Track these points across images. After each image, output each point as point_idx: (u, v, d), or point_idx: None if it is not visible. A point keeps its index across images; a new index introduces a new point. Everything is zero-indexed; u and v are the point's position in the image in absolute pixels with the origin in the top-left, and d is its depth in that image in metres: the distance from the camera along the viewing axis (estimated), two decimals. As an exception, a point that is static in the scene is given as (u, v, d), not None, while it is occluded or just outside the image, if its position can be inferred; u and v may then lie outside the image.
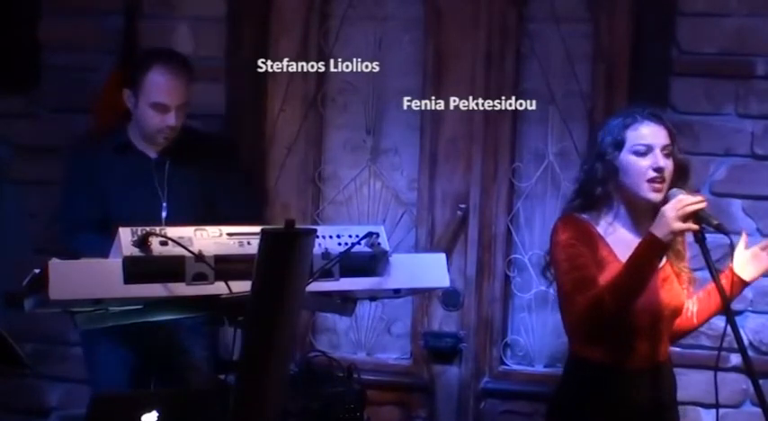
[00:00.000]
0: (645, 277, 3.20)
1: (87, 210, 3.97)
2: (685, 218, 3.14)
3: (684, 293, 3.39)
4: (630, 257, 3.21)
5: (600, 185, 3.33)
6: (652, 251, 3.18)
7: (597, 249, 3.31)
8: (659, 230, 3.15)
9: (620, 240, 3.33)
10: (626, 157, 3.30)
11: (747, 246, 3.38)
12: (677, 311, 3.38)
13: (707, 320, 3.47)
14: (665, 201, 3.23)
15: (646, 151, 3.28)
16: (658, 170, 3.26)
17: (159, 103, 3.93)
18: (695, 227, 3.16)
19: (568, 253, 3.31)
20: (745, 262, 3.36)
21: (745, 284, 3.36)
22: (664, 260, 3.32)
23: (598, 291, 3.22)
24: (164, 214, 3.94)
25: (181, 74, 3.97)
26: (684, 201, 3.15)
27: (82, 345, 4.18)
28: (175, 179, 4.01)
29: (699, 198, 3.18)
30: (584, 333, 3.34)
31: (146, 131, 3.99)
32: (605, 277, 3.26)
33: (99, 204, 3.97)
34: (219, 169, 4.11)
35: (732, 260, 3.31)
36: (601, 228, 3.35)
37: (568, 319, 3.36)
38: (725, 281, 3.26)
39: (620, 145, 3.30)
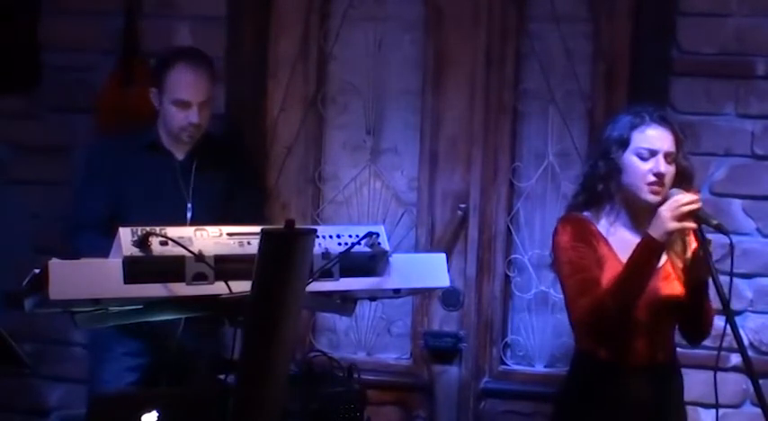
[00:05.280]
0: (644, 278, 3.21)
1: (99, 210, 3.96)
2: (681, 217, 3.16)
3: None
4: (629, 259, 3.23)
5: (602, 182, 3.35)
6: (649, 251, 3.21)
7: (597, 247, 3.33)
8: (655, 231, 3.18)
9: (619, 239, 3.35)
10: (629, 158, 3.31)
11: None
12: (679, 308, 3.39)
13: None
14: (665, 200, 3.24)
15: (649, 156, 3.29)
16: (658, 175, 3.28)
17: (181, 100, 3.95)
18: (691, 225, 3.17)
19: (570, 255, 3.33)
20: None
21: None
22: (664, 258, 3.33)
23: (600, 294, 3.24)
24: (188, 215, 3.96)
25: (202, 71, 4.00)
26: (680, 201, 3.17)
27: (88, 350, 4.15)
28: (201, 181, 4.03)
29: (693, 198, 3.20)
30: (589, 333, 3.36)
31: (170, 129, 4.01)
32: (605, 275, 3.28)
33: (113, 204, 3.98)
34: (239, 173, 4.14)
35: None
36: (601, 226, 3.37)
37: (572, 320, 3.38)
38: None
39: (624, 144, 3.32)
